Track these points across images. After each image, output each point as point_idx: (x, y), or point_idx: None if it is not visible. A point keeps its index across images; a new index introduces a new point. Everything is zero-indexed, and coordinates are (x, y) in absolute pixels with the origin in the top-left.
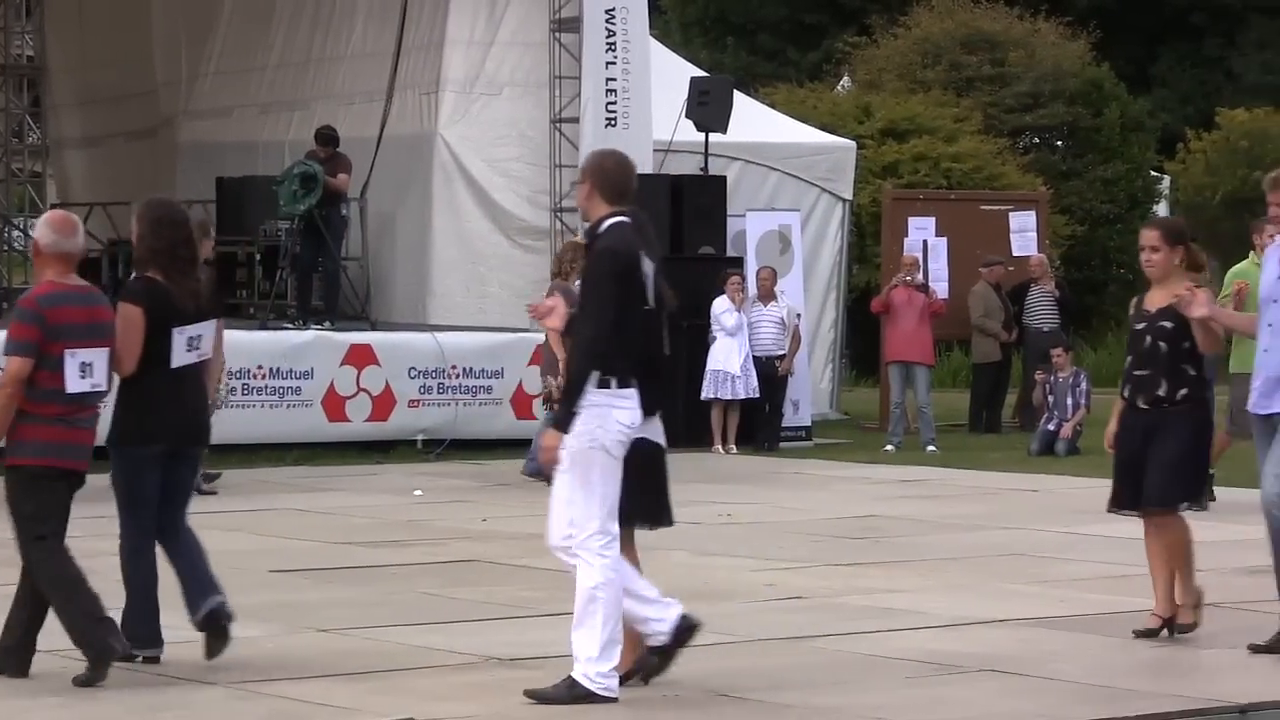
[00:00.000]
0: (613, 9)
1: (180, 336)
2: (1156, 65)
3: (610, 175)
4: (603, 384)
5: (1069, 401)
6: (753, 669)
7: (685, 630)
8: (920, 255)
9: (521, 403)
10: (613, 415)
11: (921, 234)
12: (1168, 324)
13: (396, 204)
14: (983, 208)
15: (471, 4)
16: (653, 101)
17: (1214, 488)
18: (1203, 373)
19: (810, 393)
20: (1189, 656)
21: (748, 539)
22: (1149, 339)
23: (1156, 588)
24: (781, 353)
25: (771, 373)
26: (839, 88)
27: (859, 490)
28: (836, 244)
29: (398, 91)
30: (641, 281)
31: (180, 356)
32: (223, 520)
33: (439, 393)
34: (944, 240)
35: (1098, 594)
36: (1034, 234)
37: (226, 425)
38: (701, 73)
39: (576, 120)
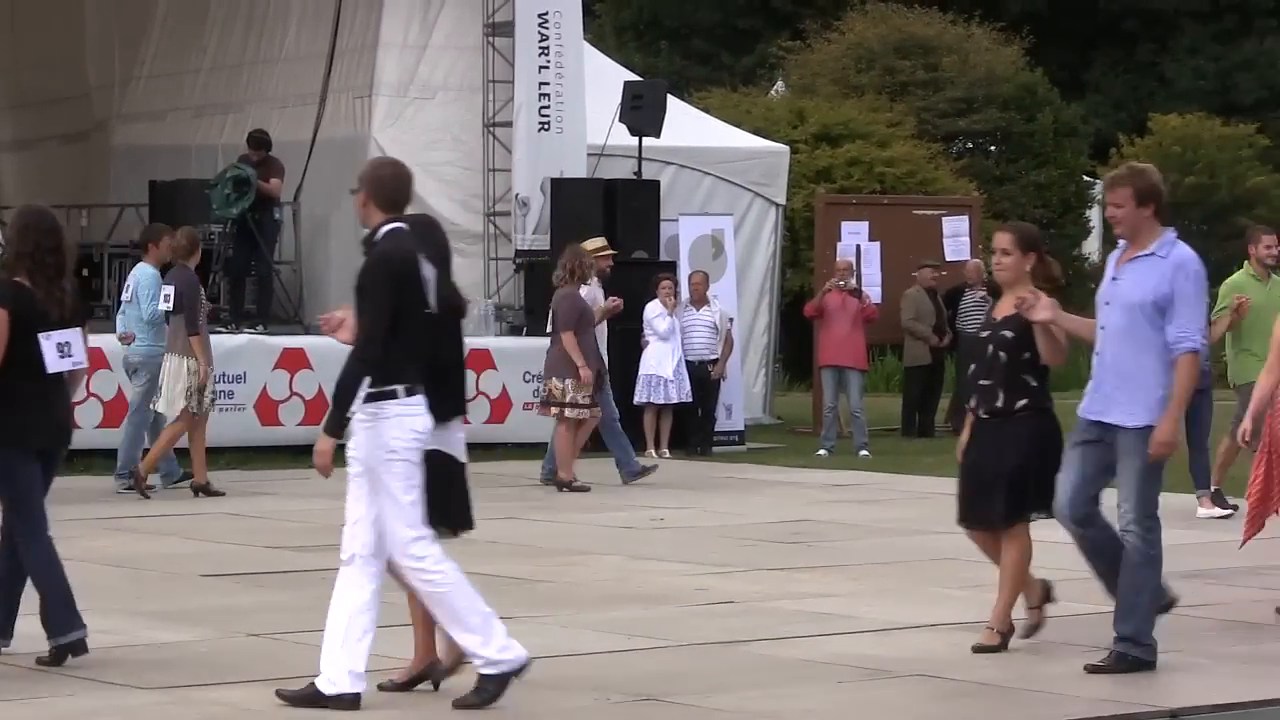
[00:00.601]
0: (546, 13)
1: (48, 342)
2: (1089, 71)
3: (385, 184)
4: (390, 394)
5: None
6: (684, 673)
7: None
8: (854, 260)
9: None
10: (406, 423)
11: (855, 239)
12: (1009, 333)
13: (330, 208)
14: (916, 212)
15: (405, 8)
16: (586, 105)
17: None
18: (1045, 383)
19: (743, 397)
20: None
21: (680, 543)
22: (990, 348)
23: (1000, 599)
24: (714, 357)
25: (704, 377)
26: (773, 92)
27: (791, 495)
28: (769, 248)
29: (331, 95)
30: (420, 286)
31: (54, 363)
32: (155, 524)
33: None
34: (877, 245)
35: None
36: (967, 239)
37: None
38: (635, 77)
39: (510, 124)
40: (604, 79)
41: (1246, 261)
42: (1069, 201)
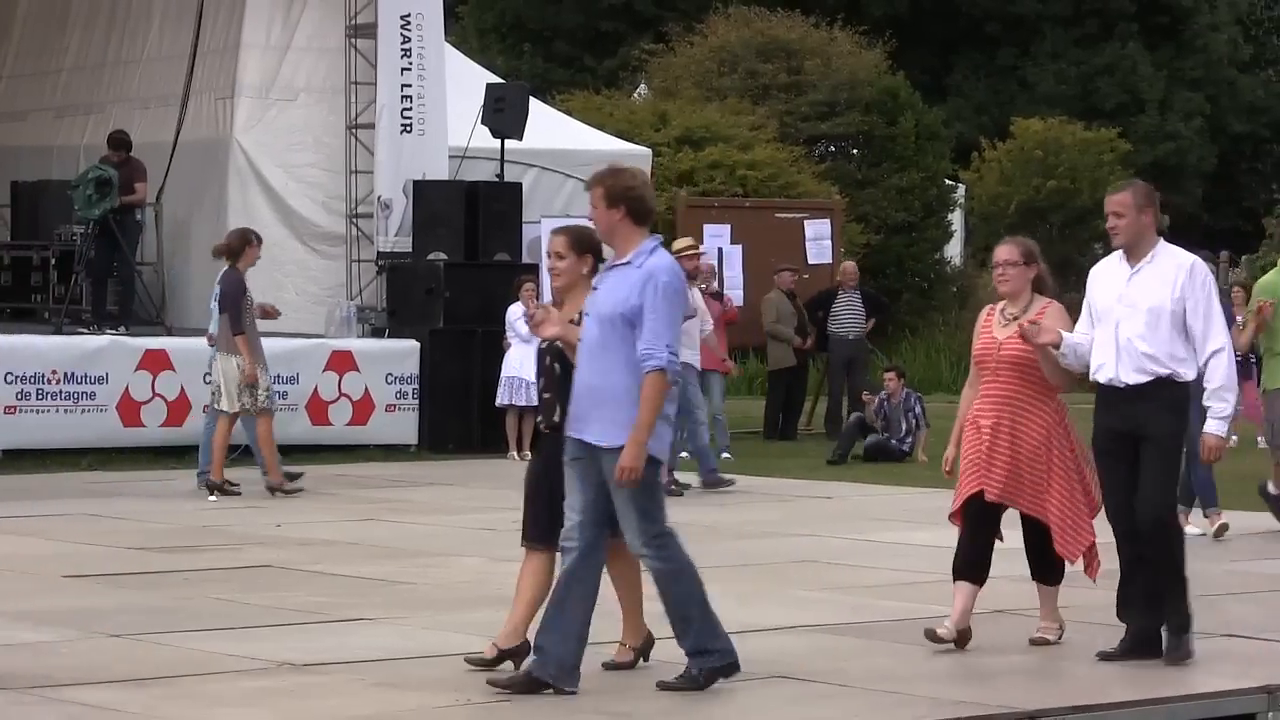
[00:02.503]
0: (408, 15)
1: None
2: (951, 75)
3: None
4: None
5: (904, 424)
6: None
7: None
8: (715, 263)
9: (317, 408)
10: None
11: (717, 241)
12: (560, 343)
13: (192, 209)
14: (777, 215)
15: (267, 9)
16: (449, 108)
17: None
18: None
19: None
20: (978, 663)
21: None
22: (548, 359)
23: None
24: None
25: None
26: (635, 95)
27: None
28: None
29: (193, 96)
30: None
31: None
32: (16, 525)
33: None
34: (739, 248)
35: (890, 600)
36: (829, 242)
37: (20, 430)
38: (497, 79)
39: (372, 126)
40: (466, 81)
41: None
42: (931, 205)
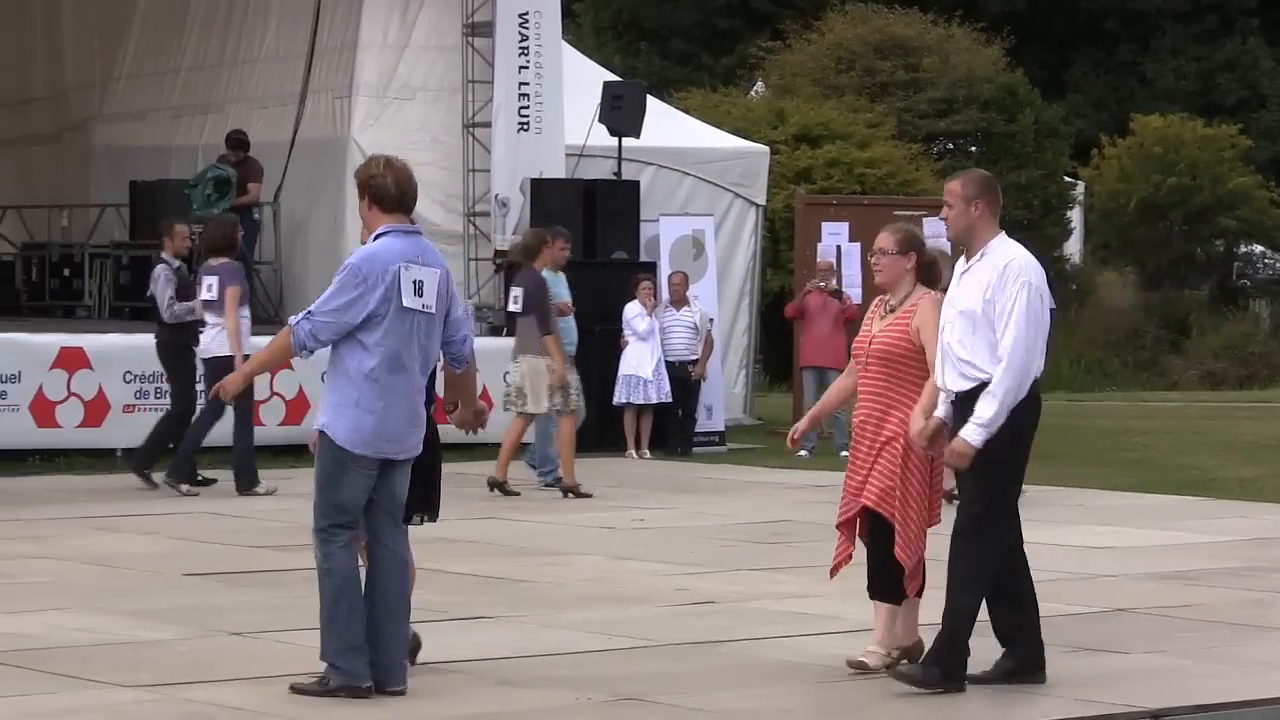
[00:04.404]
0: (526, 13)
1: None
2: (1070, 71)
3: None
4: None
5: None
6: (663, 673)
7: None
8: (834, 261)
9: (441, 404)
10: None
11: (835, 239)
12: None
13: (309, 208)
14: (896, 213)
15: (384, 7)
16: (565, 106)
17: None
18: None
19: (723, 398)
20: (1099, 661)
21: (660, 544)
22: None
23: None
24: (694, 357)
25: (684, 377)
26: (752, 93)
27: (772, 495)
28: (750, 249)
29: (311, 95)
30: None
31: None
32: (136, 523)
33: None
34: (857, 245)
35: None
36: (947, 240)
37: (139, 429)
38: (614, 77)
39: (489, 125)
40: (583, 79)
41: None
42: (1050, 202)
